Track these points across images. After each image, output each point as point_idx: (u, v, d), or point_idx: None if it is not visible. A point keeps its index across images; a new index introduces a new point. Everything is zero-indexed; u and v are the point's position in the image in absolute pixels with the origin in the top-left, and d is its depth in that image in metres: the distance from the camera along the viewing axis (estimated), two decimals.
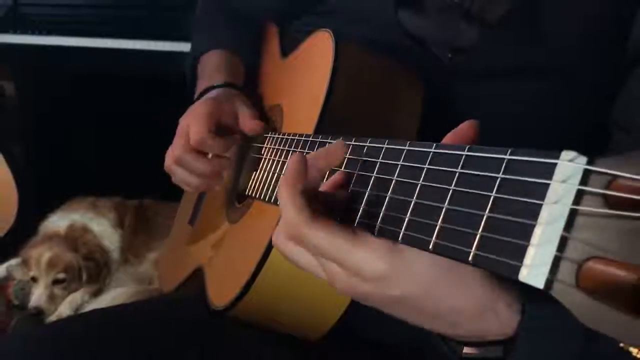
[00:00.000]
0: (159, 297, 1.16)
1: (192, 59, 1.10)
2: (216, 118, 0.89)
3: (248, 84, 1.05)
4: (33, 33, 1.90)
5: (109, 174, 1.94)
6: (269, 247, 0.70)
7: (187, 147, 0.88)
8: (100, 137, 2.06)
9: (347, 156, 0.57)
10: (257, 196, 0.78)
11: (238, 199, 0.92)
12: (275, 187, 0.72)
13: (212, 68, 1.03)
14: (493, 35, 0.76)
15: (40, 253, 1.76)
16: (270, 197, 0.73)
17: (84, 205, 1.93)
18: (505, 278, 0.42)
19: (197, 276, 0.95)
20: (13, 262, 1.89)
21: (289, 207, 0.50)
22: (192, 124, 0.87)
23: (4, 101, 2.00)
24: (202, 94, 0.97)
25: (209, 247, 0.96)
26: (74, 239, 1.83)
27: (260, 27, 1.12)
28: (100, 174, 1.95)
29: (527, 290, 0.42)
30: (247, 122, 0.89)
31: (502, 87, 0.77)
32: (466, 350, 0.51)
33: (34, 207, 1.99)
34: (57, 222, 1.89)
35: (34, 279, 1.76)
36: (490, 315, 0.48)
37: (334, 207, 0.54)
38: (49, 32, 1.89)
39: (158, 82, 1.71)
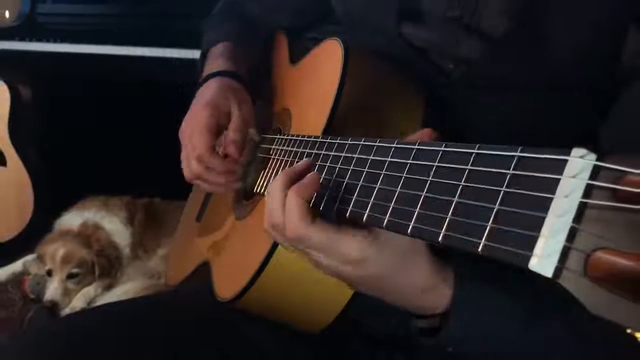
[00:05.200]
0: (168, 291, 1.15)
1: (202, 56, 1.09)
2: (215, 126, 0.88)
3: (252, 83, 1.04)
4: (48, 40, 1.90)
5: (120, 174, 1.93)
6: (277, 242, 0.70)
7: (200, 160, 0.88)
8: (112, 139, 2.05)
9: (357, 155, 0.57)
10: (265, 193, 0.78)
11: (245, 196, 0.92)
12: None
13: (215, 54, 1.01)
14: (494, 49, 0.75)
15: (55, 249, 1.76)
16: None
17: (96, 204, 1.93)
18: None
19: (203, 270, 0.95)
20: (29, 257, 1.89)
21: (295, 213, 0.56)
22: (194, 137, 0.87)
23: (20, 105, 1.99)
24: (203, 82, 0.95)
25: (216, 242, 0.95)
26: (87, 235, 1.83)
27: (269, 34, 1.11)
28: (111, 174, 1.95)
29: (460, 275, 0.58)
30: (228, 143, 0.88)
31: (502, 98, 0.75)
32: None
33: (49, 206, 2.00)
34: (71, 219, 1.89)
35: (49, 274, 1.75)
36: (434, 292, 0.59)
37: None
38: (64, 40, 1.90)
39: (168, 86, 1.71)
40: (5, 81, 1.96)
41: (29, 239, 1.94)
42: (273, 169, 0.78)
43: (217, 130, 0.89)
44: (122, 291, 1.77)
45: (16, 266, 1.91)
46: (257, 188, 0.83)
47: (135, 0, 1.92)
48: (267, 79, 1.06)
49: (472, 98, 0.76)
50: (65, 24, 1.94)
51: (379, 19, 0.82)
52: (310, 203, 0.56)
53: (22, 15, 1.93)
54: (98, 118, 2.10)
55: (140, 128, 2.00)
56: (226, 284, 0.80)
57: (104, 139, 2.07)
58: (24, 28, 1.93)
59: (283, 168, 0.74)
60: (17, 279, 1.87)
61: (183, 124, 0.91)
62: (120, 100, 2.05)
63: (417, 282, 0.58)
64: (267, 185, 0.78)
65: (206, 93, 0.92)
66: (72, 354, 0.73)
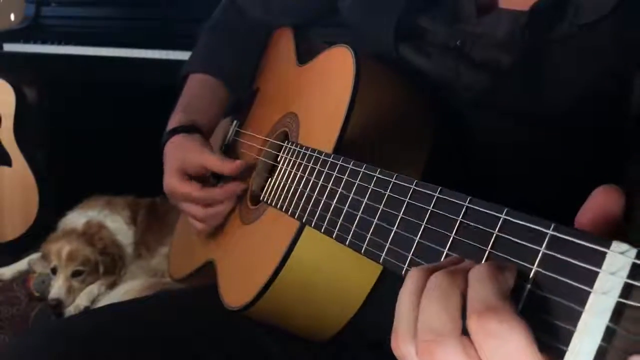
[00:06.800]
0: (170, 292, 1.15)
1: (184, 71, 1.08)
2: (187, 173, 0.90)
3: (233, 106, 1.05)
4: (53, 42, 1.89)
5: (123, 174, 1.92)
6: (286, 255, 0.68)
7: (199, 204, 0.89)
8: (115, 139, 2.05)
9: (372, 187, 0.53)
10: (272, 204, 0.76)
11: (251, 200, 0.90)
12: (293, 199, 0.69)
13: (186, 100, 1.03)
14: (493, 80, 0.72)
15: (60, 247, 1.76)
16: (287, 209, 0.70)
17: (100, 203, 1.93)
18: None
19: (206, 268, 0.93)
20: (34, 256, 1.89)
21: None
22: (181, 193, 0.89)
23: (25, 106, 1.98)
24: (166, 136, 0.97)
25: (220, 244, 0.93)
26: (91, 234, 1.82)
27: (266, 41, 1.09)
28: (115, 174, 1.94)
29: None
30: (227, 165, 0.89)
31: (500, 125, 0.73)
32: None
33: (53, 205, 1.99)
34: (75, 219, 1.89)
35: (54, 271, 1.75)
36: None
37: None
38: (68, 42, 1.89)
39: (171, 87, 1.70)
40: (10, 82, 1.95)
41: (33, 238, 1.94)
42: (282, 180, 0.75)
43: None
44: (125, 289, 1.76)
45: (21, 265, 1.91)
46: (264, 196, 0.81)
47: (138, 3, 1.91)
48: (270, 76, 1.04)
49: (472, 118, 0.74)
50: (69, 26, 1.95)
51: (376, 37, 0.80)
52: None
53: (27, 18, 1.92)
54: (101, 119, 2.09)
55: (142, 128, 1.98)
56: (234, 293, 0.78)
57: (107, 140, 2.06)
58: (29, 30, 1.93)
59: (292, 181, 0.71)
60: (22, 278, 1.88)
61: (166, 191, 0.93)
62: (123, 101, 2.04)
63: None
64: (274, 195, 0.76)
65: (168, 158, 0.95)
66: (75, 355, 0.72)
